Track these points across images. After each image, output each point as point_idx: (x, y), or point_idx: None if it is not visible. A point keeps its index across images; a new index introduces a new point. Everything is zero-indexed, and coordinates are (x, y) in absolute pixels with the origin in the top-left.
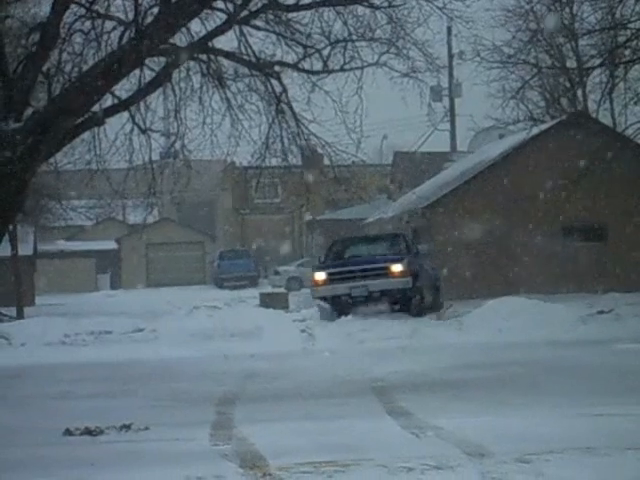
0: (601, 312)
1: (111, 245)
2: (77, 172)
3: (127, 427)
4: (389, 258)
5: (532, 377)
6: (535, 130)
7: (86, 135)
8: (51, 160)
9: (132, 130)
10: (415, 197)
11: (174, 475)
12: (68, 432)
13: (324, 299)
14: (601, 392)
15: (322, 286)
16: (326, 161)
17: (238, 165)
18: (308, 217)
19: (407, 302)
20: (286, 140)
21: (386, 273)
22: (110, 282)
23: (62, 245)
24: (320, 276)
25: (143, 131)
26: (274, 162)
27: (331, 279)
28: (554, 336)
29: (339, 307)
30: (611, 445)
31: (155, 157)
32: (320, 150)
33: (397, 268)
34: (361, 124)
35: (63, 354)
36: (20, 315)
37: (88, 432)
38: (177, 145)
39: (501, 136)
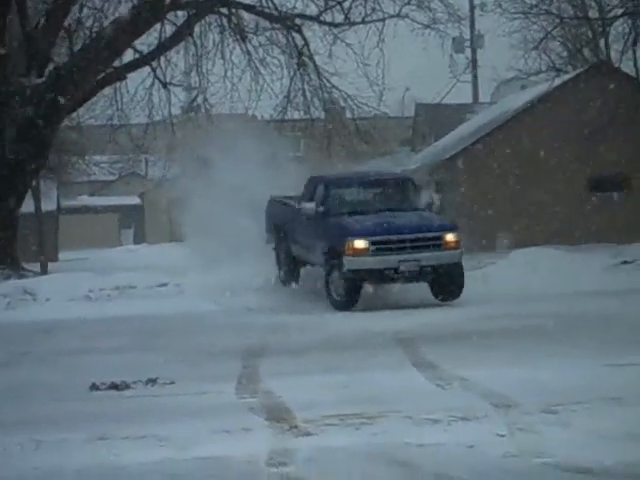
0: (625, 262)
1: (134, 200)
2: (99, 127)
3: (153, 381)
4: (441, 224)
5: (558, 328)
6: (558, 81)
7: (107, 90)
8: (73, 115)
9: (153, 84)
10: (438, 149)
11: (201, 428)
12: (94, 387)
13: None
14: (628, 342)
15: (361, 256)
16: (348, 114)
17: (260, 118)
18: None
19: (456, 280)
20: (308, 93)
21: (440, 244)
22: (133, 237)
23: (85, 200)
24: (360, 244)
25: (164, 85)
26: (296, 115)
27: (375, 249)
28: (579, 286)
29: (372, 280)
30: (637, 396)
31: (175, 112)
32: (342, 103)
33: (452, 237)
34: (383, 77)
35: (88, 309)
36: (44, 271)
37: (114, 387)
38: (199, 99)
39: (523, 87)
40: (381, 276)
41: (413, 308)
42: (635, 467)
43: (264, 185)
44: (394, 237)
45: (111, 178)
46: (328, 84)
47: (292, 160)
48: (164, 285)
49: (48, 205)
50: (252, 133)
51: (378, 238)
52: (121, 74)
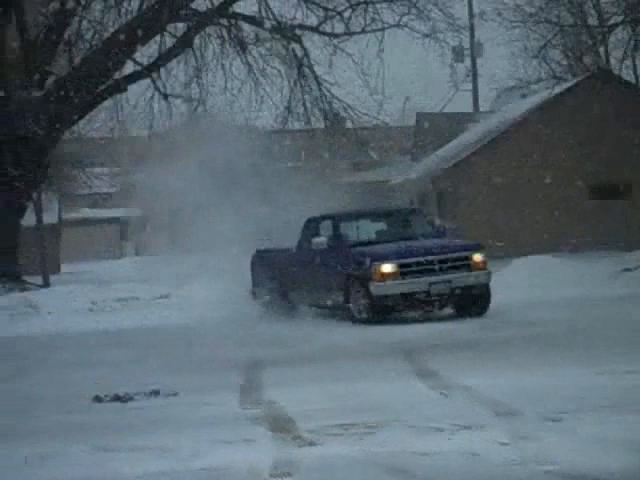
0: (627, 269)
1: (136, 211)
2: (100, 139)
3: (156, 393)
4: (467, 245)
5: (561, 335)
6: (558, 89)
7: (108, 103)
8: (74, 128)
9: (153, 96)
10: (439, 158)
11: (204, 439)
12: (97, 399)
13: (385, 298)
14: (630, 350)
15: (391, 280)
16: (348, 124)
17: (260, 129)
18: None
19: (483, 300)
20: (308, 104)
21: (469, 264)
22: (135, 249)
23: (86, 213)
24: (388, 267)
25: (165, 97)
26: (296, 126)
27: (404, 272)
28: (581, 294)
29: (402, 306)
30: None
31: (176, 123)
32: (342, 113)
33: (479, 258)
34: (383, 86)
35: (90, 321)
36: (46, 283)
37: (117, 398)
38: (199, 110)
39: (524, 95)
40: (411, 300)
41: (415, 317)
42: (639, 474)
43: (265, 197)
44: (423, 259)
45: (112, 190)
46: (328, 94)
47: (292, 170)
48: (166, 297)
49: (49, 218)
50: (252, 144)
51: (407, 260)
52: (121, 86)
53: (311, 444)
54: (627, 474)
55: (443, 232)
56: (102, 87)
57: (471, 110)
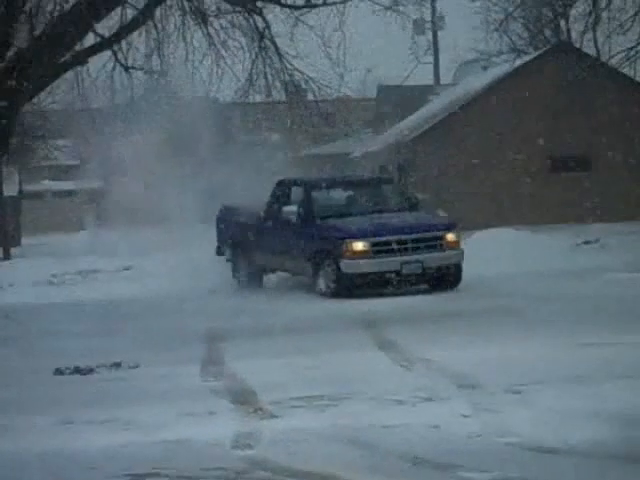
0: (587, 242)
1: (97, 184)
2: (61, 111)
3: (117, 365)
4: (441, 224)
5: (521, 308)
6: (519, 61)
7: (69, 75)
8: (35, 100)
9: (114, 68)
10: (400, 130)
11: (165, 412)
12: (58, 371)
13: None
14: (591, 322)
15: (362, 259)
16: (310, 96)
17: (221, 101)
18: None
19: (455, 278)
20: (270, 76)
21: (441, 244)
22: (96, 221)
23: (47, 185)
24: (359, 246)
25: (126, 69)
26: (258, 98)
27: (376, 250)
28: (541, 267)
29: (371, 285)
30: (602, 374)
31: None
32: (304, 85)
33: (453, 237)
34: (344, 58)
35: (51, 294)
36: (7, 256)
37: (78, 371)
38: (160, 82)
39: (485, 68)
40: (381, 280)
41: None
42: (599, 446)
43: (224, 170)
44: (395, 238)
45: (73, 162)
46: (290, 66)
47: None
48: (128, 269)
49: (10, 190)
50: (213, 116)
51: (379, 239)
52: (82, 58)
53: (273, 416)
54: (586, 446)
55: (415, 204)
56: (63, 59)
57: (432, 83)
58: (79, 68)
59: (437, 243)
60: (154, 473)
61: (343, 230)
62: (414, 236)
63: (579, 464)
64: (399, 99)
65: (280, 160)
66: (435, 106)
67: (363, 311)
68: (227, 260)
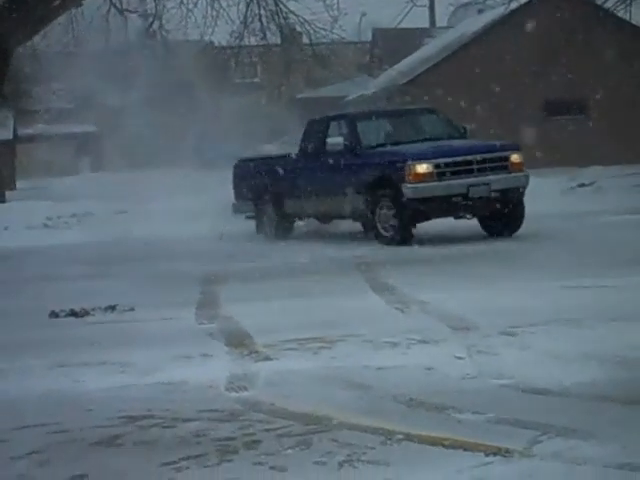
0: (582, 185)
1: (92, 127)
2: (56, 55)
3: (112, 308)
4: (505, 145)
5: (515, 250)
6: (514, 4)
7: (63, 18)
8: (29, 43)
9: (109, 11)
10: (395, 73)
11: (161, 354)
12: (54, 314)
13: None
14: (585, 264)
15: (425, 182)
16: (305, 39)
17: (216, 45)
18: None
19: (519, 210)
20: (265, 19)
21: (507, 165)
22: (91, 165)
23: (42, 129)
24: (423, 167)
25: (120, 12)
26: (253, 41)
27: (440, 172)
28: (536, 209)
29: (437, 211)
30: (596, 317)
31: (132, 38)
32: (299, 28)
33: (518, 158)
34: (338, 1)
35: (46, 237)
36: (2, 199)
37: (73, 314)
38: (155, 25)
39: (480, 11)
40: (448, 205)
41: (362, 235)
42: (593, 387)
43: (218, 115)
44: (461, 158)
45: (68, 106)
46: (285, 9)
47: (248, 86)
48: (124, 212)
49: (5, 134)
50: (208, 60)
51: (444, 160)
52: (77, 1)
53: (267, 359)
54: (581, 388)
55: (464, 133)
56: (57, 1)
57: (427, 26)
58: (73, 11)
59: (503, 164)
60: (149, 415)
61: (404, 153)
62: (480, 157)
63: (573, 405)
64: (394, 42)
65: (274, 103)
66: (430, 49)
67: (352, 254)
68: (247, 217)
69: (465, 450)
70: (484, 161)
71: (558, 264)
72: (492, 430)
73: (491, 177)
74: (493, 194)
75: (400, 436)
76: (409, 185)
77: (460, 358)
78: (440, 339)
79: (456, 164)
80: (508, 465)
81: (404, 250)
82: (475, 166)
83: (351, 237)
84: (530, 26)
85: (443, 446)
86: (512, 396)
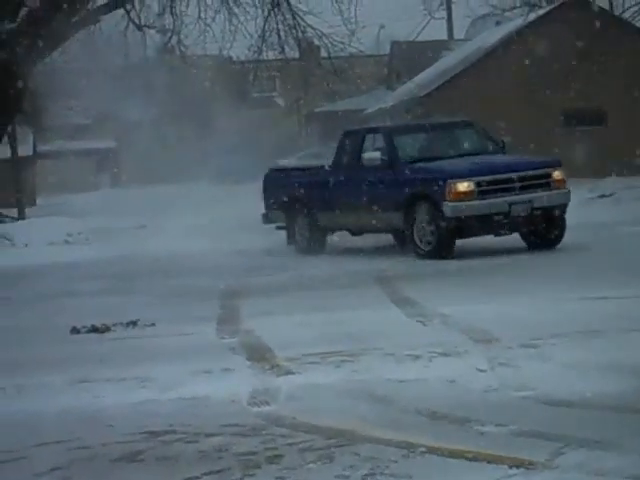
0: (602, 196)
1: (111, 143)
2: (74, 71)
3: (133, 323)
4: (547, 161)
5: (536, 262)
6: (532, 15)
7: (82, 34)
8: (47, 60)
9: (127, 27)
10: (414, 86)
11: (182, 369)
12: (75, 330)
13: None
14: (606, 275)
15: (466, 201)
16: (323, 53)
17: (235, 59)
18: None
19: (561, 224)
20: (282, 33)
21: (549, 182)
22: (110, 180)
23: (61, 145)
24: (464, 186)
25: (139, 28)
26: (271, 55)
27: (482, 191)
28: None
29: (478, 229)
30: (617, 328)
31: (150, 54)
32: (317, 42)
33: (560, 175)
34: (356, 14)
35: (67, 253)
36: (22, 216)
37: (95, 330)
38: (173, 41)
39: (498, 23)
40: (489, 223)
41: (389, 247)
42: (615, 398)
43: (237, 129)
44: (502, 176)
45: (87, 122)
46: (302, 22)
47: (268, 100)
48: (143, 227)
49: (24, 150)
50: (227, 74)
51: (485, 178)
52: (95, 17)
53: (289, 373)
54: (603, 398)
55: (502, 147)
56: (75, 18)
57: (445, 38)
58: (92, 27)
59: (545, 181)
60: (171, 430)
61: (444, 170)
62: (521, 174)
63: (595, 417)
64: (412, 55)
65: (292, 117)
66: (448, 62)
67: (372, 268)
68: (277, 228)
69: (488, 463)
70: (526, 178)
71: (578, 275)
72: (514, 442)
73: (533, 195)
74: (535, 212)
75: (422, 449)
76: (449, 204)
77: (482, 371)
78: (462, 352)
79: (497, 182)
80: (531, 477)
81: (432, 263)
82: (517, 184)
83: (379, 250)
84: (548, 37)
85: (466, 459)
86: (534, 408)
